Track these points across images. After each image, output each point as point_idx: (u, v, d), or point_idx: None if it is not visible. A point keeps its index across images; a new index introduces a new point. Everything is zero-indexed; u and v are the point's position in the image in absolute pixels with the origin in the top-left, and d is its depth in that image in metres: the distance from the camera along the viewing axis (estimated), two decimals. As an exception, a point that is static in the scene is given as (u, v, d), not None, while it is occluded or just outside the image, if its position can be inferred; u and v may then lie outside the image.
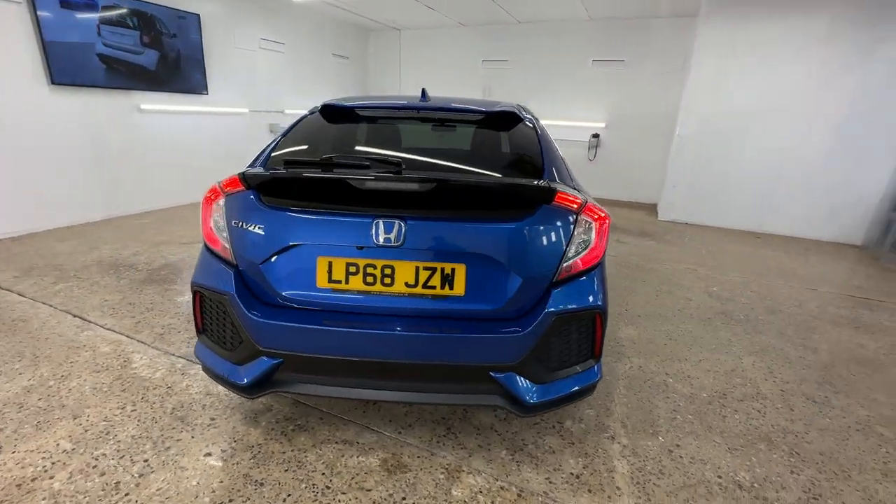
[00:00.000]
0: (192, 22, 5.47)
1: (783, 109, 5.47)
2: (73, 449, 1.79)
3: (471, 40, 7.98)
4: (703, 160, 6.03)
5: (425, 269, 1.57)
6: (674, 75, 6.68)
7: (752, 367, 2.64)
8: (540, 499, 1.66)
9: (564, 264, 1.61)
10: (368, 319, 1.61)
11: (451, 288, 1.59)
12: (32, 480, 1.63)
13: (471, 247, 1.57)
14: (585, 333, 1.67)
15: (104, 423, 1.94)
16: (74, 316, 2.86)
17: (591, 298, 1.63)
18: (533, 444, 1.93)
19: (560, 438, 1.97)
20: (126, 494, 1.59)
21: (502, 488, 1.70)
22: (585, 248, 1.63)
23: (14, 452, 1.76)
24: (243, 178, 1.64)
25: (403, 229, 1.52)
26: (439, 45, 8.28)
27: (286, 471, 1.72)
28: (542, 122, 2.37)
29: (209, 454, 1.79)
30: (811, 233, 5.71)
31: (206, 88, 5.84)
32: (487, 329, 1.59)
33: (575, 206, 1.62)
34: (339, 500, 1.61)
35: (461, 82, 8.17)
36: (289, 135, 2.04)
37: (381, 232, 1.52)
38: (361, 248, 1.55)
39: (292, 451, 1.83)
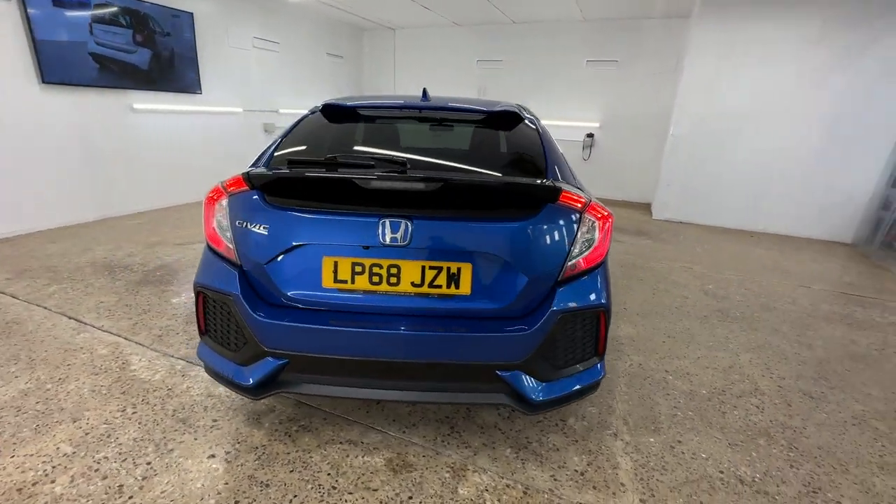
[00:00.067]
0: (185, 20, 5.42)
1: (775, 110, 5.55)
2: (74, 452, 1.76)
3: (466, 40, 7.99)
4: (696, 160, 6.09)
5: (431, 268, 1.58)
6: (666, 76, 6.74)
7: (749, 364, 2.67)
8: (546, 496, 1.67)
9: (569, 263, 1.62)
10: (374, 319, 1.61)
11: (457, 287, 1.59)
12: (33, 485, 1.61)
13: (476, 246, 1.57)
14: (590, 331, 1.69)
15: (105, 425, 1.92)
16: (70, 318, 2.82)
17: (595, 297, 1.65)
18: (537, 441, 1.94)
19: (563, 436, 1.99)
20: (130, 498, 1.57)
21: (508, 486, 1.70)
22: (589, 247, 1.65)
23: (13, 457, 1.73)
24: (248, 177, 1.63)
25: (410, 229, 1.53)
26: (434, 44, 8.28)
27: (291, 471, 1.72)
28: (539, 121, 2.39)
29: (213, 456, 1.78)
30: (803, 231, 5.80)
31: (199, 88, 5.79)
32: (493, 328, 1.59)
33: (579, 205, 1.63)
34: (346, 500, 1.60)
35: (456, 82, 8.18)
36: (290, 134, 2.03)
37: (388, 231, 1.52)
38: (368, 247, 1.55)
39: (297, 451, 1.82)
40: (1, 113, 4.10)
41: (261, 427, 1.95)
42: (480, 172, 1.89)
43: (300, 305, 1.63)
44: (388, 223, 1.52)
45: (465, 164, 1.97)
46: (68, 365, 2.34)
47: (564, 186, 1.69)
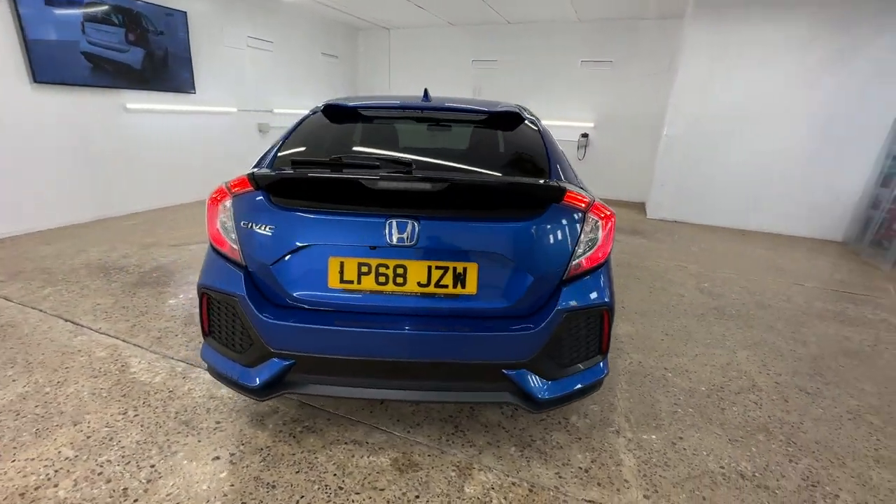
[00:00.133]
0: (178, 19, 5.37)
1: (768, 110, 5.63)
2: (76, 456, 1.75)
3: (461, 40, 8.00)
4: (690, 159, 6.15)
5: (437, 268, 1.58)
6: (660, 76, 6.81)
7: (746, 361, 2.71)
8: (551, 493, 1.68)
9: (573, 262, 1.63)
10: (380, 319, 1.62)
11: (464, 287, 1.60)
12: (36, 489, 1.59)
13: (482, 246, 1.58)
14: (594, 330, 1.70)
15: (106, 428, 1.90)
16: (66, 320, 2.79)
17: (599, 295, 1.66)
18: (541, 439, 1.96)
19: (567, 434, 2.00)
20: (135, 501, 1.56)
21: (514, 484, 1.72)
22: (593, 246, 1.66)
23: (14, 461, 1.71)
24: (253, 178, 1.62)
25: (417, 229, 1.53)
26: (429, 44, 8.28)
27: (297, 472, 1.72)
28: (537, 121, 2.40)
29: (217, 458, 1.77)
30: (795, 230, 5.88)
31: (193, 87, 5.74)
32: (499, 327, 1.60)
33: (583, 204, 1.65)
34: (353, 500, 1.61)
35: (451, 82, 8.18)
36: (293, 135, 2.03)
37: (395, 232, 1.52)
38: (374, 247, 1.55)
39: (302, 452, 1.82)
40: (-9, 113, 4.05)
41: (265, 428, 1.94)
42: (485, 173, 1.90)
43: (306, 306, 1.63)
44: (394, 223, 1.53)
45: (469, 165, 1.98)
46: (66, 368, 2.31)
47: (568, 186, 1.70)
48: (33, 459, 1.72)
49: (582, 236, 1.63)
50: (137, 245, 4.23)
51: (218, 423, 1.97)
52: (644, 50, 6.89)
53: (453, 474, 1.75)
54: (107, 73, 4.80)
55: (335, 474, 1.72)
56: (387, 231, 1.53)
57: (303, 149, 1.96)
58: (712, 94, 5.81)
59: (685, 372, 2.55)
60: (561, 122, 7.52)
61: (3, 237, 4.23)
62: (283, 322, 1.58)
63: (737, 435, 2.06)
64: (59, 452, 1.76)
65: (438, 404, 2.12)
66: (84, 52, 4.54)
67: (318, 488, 1.65)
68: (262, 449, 1.83)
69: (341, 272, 1.59)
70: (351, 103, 2.11)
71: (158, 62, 5.26)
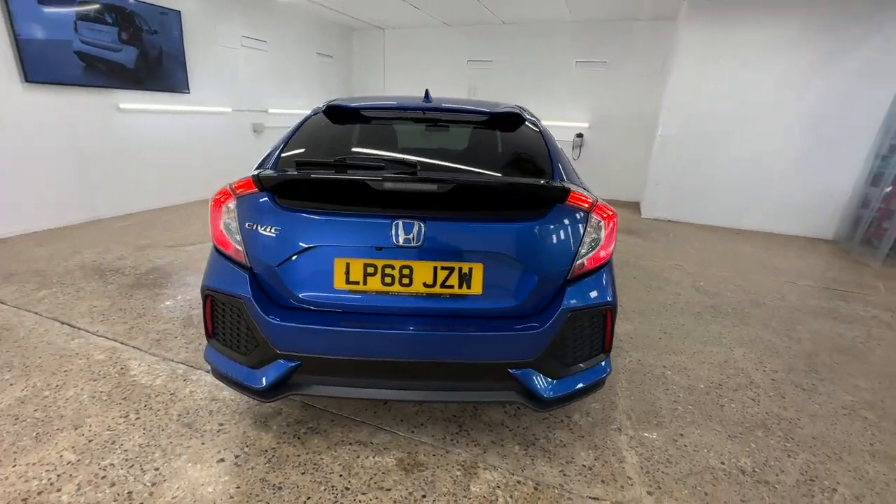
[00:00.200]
0: (172, 18, 5.32)
1: (760, 111, 5.70)
2: (79, 460, 1.73)
3: (456, 40, 8.01)
4: (684, 159, 6.22)
5: (443, 268, 1.59)
6: (654, 77, 6.87)
7: (743, 358, 2.75)
8: (556, 491, 1.70)
9: (577, 262, 1.65)
10: (386, 320, 1.62)
11: (469, 287, 1.61)
12: (39, 494, 1.58)
13: (488, 246, 1.59)
14: (598, 329, 1.72)
15: (108, 432, 1.88)
16: (62, 323, 2.76)
17: (603, 295, 1.68)
18: (544, 438, 1.97)
19: (570, 432, 2.02)
20: (140, 504, 1.55)
21: (519, 482, 1.73)
22: (597, 246, 1.68)
23: (15, 466, 1.69)
24: (258, 179, 1.62)
25: (423, 230, 1.54)
26: (424, 44, 8.28)
27: (303, 473, 1.71)
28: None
29: (222, 460, 1.77)
30: (787, 228, 5.97)
31: (187, 87, 5.69)
32: (505, 327, 1.61)
33: (587, 205, 1.67)
34: (360, 501, 1.61)
35: (446, 82, 8.18)
36: (295, 136, 2.02)
37: (401, 232, 1.53)
38: (381, 248, 1.56)
39: (307, 453, 1.82)
40: (-18, 113, 3.99)
41: (269, 430, 1.94)
42: (489, 174, 1.91)
43: (312, 307, 1.63)
44: (401, 224, 1.53)
45: (473, 166, 1.99)
46: (65, 371, 2.29)
47: (572, 187, 1.72)
48: (35, 464, 1.70)
49: (585, 236, 1.65)
50: (132, 246, 4.19)
51: (221, 425, 1.96)
52: (638, 51, 6.95)
53: (459, 473, 1.76)
54: (100, 73, 4.74)
55: (341, 475, 1.72)
56: (393, 232, 1.54)
57: (306, 150, 1.96)
58: (706, 95, 5.88)
59: (684, 370, 2.59)
60: (556, 122, 7.54)
61: (-6, 239, 4.17)
62: (288, 323, 1.58)
63: (736, 431, 2.09)
64: (61, 457, 1.74)
65: (442, 404, 2.13)
66: (77, 51, 4.48)
67: (325, 489, 1.65)
68: (266, 451, 1.82)
69: (347, 273, 1.59)
70: (353, 104, 2.11)
71: (152, 62, 5.21)
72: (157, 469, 1.71)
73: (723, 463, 1.89)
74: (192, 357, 2.45)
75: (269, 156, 1.93)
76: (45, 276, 3.43)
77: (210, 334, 1.76)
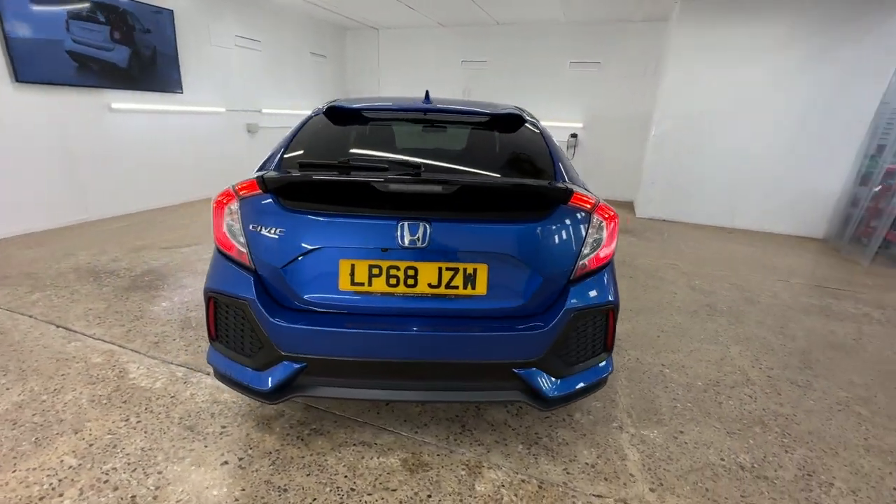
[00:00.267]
0: (165, 18, 5.27)
1: (751, 111, 5.78)
2: (80, 464, 1.71)
3: (450, 41, 8.02)
4: (677, 159, 6.28)
5: (448, 269, 1.60)
6: (647, 77, 6.94)
7: (739, 356, 2.79)
8: (560, 489, 1.71)
9: (580, 262, 1.66)
10: (391, 321, 1.63)
11: (474, 288, 1.62)
12: (40, 499, 1.56)
13: (492, 247, 1.60)
14: (600, 328, 1.74)
15: (109, 436, 1.87)
16: (58, 326, 2.72)
17: (605, 294, 1.70)
18: (547, 437, 1.99)
19: (572, 430, 2.04)
20: (145, 508, 1.54)
21: (523, 481, 1.74)
22: (598, 246, 1.70)
23: (15, 471, 1.67)
24: (262, 181, 1.61)
25: (428, 231, 1.54)
26: (418, 45, 8.28)
27: (308, 475, 1.71)
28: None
29: (226, 463, 1.76)
30: (778, 227, 6.06)
31: (180, 87, 5.64)
32: (509, 327, 1.63)
33: (589, 205, 1.69)
34: (366, 502, 1.61)
35: (441, 83, 8.19)
36: (297, 137, 2.01)
37: (407, 234, 1.54)
38: (386, 249, 1.56)
39: (311, 455, 1.82)
40: (-28, 113, 3.92)
41: (272, 432, 1.93)
42: (492, 175, 1.92)
43: (317, 308, 1.63)
44: (406, 225, 1.54)
45: (475, 167, 2.00)
46: (62, 375, 2.26)
47: (574, 188, 1.74)
48: (35, 469, 1.68)
49: (588, 237, 1.67)
50: (127, 248, 4.15)
51: (223, 427, 1.95)
52: (631, 52, 7.01)
53: (463, 473, 1.76)
54: (92, 73, 4.69)
55: (346, 476, 1.72)
56: (399, 233, 1.54)
57: (309, 151, 1.95)
58: (698, 95, 5.95)
59: (682, 368, 2.62)
60: (551, 122, 7.59)
61: (-16, 241, 4.10)
62: (293, 325, 1.58)
63: (734, 428, 2.12)
64: (62, 461, 1.73)
65: (444, 404, 2.14)
66: (69, 50, 4.43)
67: (330, 490, 1.65)
68: (270, 453, 1.82)
69: (352, 274, 1.59)
70: (354, 105, 2.11)
71: (145, 61, 5.16)
72: (160, 472, 1.69)
73: (722, 459, 1.92)
74: (192, 359, 2.44)
75: (271, 157, 1.92)
76: (38, 278, 3.38)
77: (213, 337, 1.75)
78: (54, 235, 4.42)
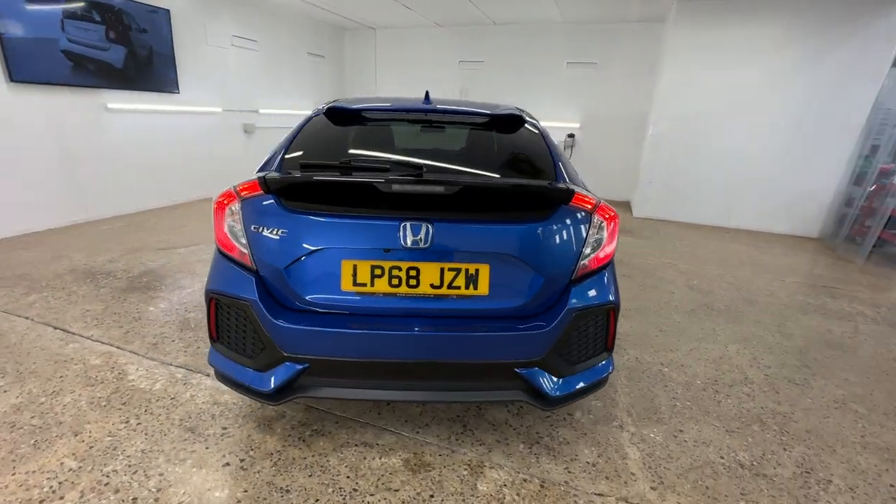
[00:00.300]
0: (162, 17, 5.24)
1: (747, 111, 5.82)
2: (80, 467, 1.70)
3: (447, 41, 8.02)
4: (674, 159, 6.32)
5: (450, 269, 1.60)
6: (644, 77, 6.97)
7: (737, 355, 2.81)
8: (562, 488, 1.72)
9: (582, 262, 1.67)
10: (394, 321, 1.63)
11: (476, 288, 1.62)
12: (41, 502, 1.55)
13: (494, 247, 1.61)
14: (601, 328, 1.75)
15: (109, 438, 1.86)
16: (55, 328, 2.71)
17: (606, 294, 1.71)
18: (548, 436, 2.00)
19: (572, 430, 2.05)
20: (146, 510, 1.54)
21: (525, 480, 1.75)
22: (599, 246, 1.71)
23: (14, 474, 1.66)
24: (264, 182, 1.61)
25: (430, 231, 1.55)
26: (416, 45, 8.28)
27: (310, 476, 1.71)
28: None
29: (227, 464, 1.75)
30: (773, 227, 6.10)
31: (177, 87, 5.61)
32: (511, 327, 1.63)
33: (590, 205, 1.69)
34: (368, 502, 1.61)
35: (438, 83, 8.17)
36: (298, 138, 2.01)
37: (409, 234, 1.54)
38: (388, 250, 1.56)
39: (313, 456, 1.81)
40: (-34, 113, 3.89)
41: (273, 433, 1.93)
42: (494, 175, 1.93)
43: (319, 309, 1.63)
44: (409, 226, 1.54)
45: (477, 167, 2.00)
46: (60, 377, 2.25)
47: (575, 188, 1.75)
48: (35, 472, 1.67)
49: (589, 237, 1.68)
50: (123, 249, 4.12)
51: (224, 428, 1.94)
52: (628, 52, 7.04)
53: (465, 473, 1.77)
54: (88, 72, 4.66)
55: (348, 476, 1.72)
56: (401, 233, 1.54)
57: (310, 152, 1.95)
58: (694, 96, 5.98)
59: (681, 366, 2.63)
60: (548, 122, 7.56)
61: (-21, 242, 4.07)
62: (295, 326, 1.57)
63: (733, 426, 2.14)
64: (62, 464, 1.71)
65: (445, 404, 2.14)
66: (64, 50, 4.40)
67: (333, 491, 1.65)
68: (272, 454, 1.81)
69: (354, 275, 1.59)
70: (354, 105, 2.11)
71: (141, 61, 5.13)
72: (161, 474, 1.69)
73: (722, 457, 1.93)
74: (192, 361, 2.43)
75: (271, 158, 1.92)
76: (34, 280, 3.36)
77: (214, 338, 1.74)
78: (50, 236, 4.39)
